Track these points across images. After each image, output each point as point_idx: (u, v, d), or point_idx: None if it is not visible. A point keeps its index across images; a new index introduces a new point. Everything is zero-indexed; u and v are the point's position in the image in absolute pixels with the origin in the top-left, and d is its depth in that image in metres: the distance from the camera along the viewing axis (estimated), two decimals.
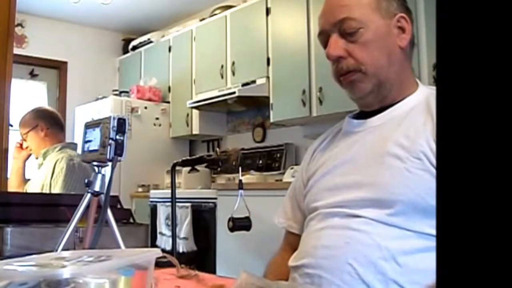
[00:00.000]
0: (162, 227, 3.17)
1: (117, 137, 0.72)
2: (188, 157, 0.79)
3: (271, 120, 3.16)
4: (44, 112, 2.15)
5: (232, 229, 0.77)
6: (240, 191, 0.78)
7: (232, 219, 0.76)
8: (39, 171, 2.00)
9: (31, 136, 2.04)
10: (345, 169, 0.82)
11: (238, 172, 0.77)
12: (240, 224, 0.76)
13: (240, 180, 0.77)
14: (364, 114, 0.87)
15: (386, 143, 0.78)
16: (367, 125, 0.84)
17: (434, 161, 0.72)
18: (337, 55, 0.81)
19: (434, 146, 0.73)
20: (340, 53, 0.81)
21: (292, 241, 0.92)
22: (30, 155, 2.05)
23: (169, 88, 4.04)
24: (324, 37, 0.84)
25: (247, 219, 0.75)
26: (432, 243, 0.70)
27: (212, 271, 2.63)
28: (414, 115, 0.79)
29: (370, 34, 0.80)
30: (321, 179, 0.85)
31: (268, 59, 3.15)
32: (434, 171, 0.72)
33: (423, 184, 0.71)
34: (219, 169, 3.78)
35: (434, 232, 0.69)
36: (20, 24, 4.09)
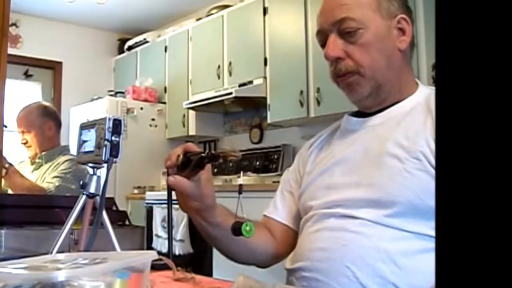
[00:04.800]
0: (158, 229, 3.16)
1: (113, 138, 0.71)
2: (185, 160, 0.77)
3: (268, 121, 3.16)
4: (51, 109, 2.08)
5: (235, 233, 0.74)
6: (239, 195, 0.76)
7: (234, 223, 0.74)
8: (38, 172, 1.94)
9: (36, 135, 1.95)
10: (342, 168, 0.81)
11: (235, 173, 0.76)
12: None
13: (240, 185, 0.75)
14: (363, 113, 0.86)
15: (385, 143, 0.77)
16: (366, 124, 0.83)
17: (433, 161, 0.71)
18: (336, 56, 0.80)
19: (433, 146, 0.72)
20: (339, 54, 0.79)
21: (270, 225, 0.90)
22: None
23: (165, 88, 4.03)
24: (322, 36, 0.82)
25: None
26: (432, 244, 0.69)
27: (209, 274, 2.62)
28: (414, 115, 0.78)
29: (369, 35, 0.78)
30: (318, 177, 0.84)
31: (265, 59, 3.15)
32: (433, 171, 0.71)
33: (422, 184, 0.71)
34: (215, 170, 3.71)
35: (433, 233, 0.68)
36: (14, 24, 4.07)
